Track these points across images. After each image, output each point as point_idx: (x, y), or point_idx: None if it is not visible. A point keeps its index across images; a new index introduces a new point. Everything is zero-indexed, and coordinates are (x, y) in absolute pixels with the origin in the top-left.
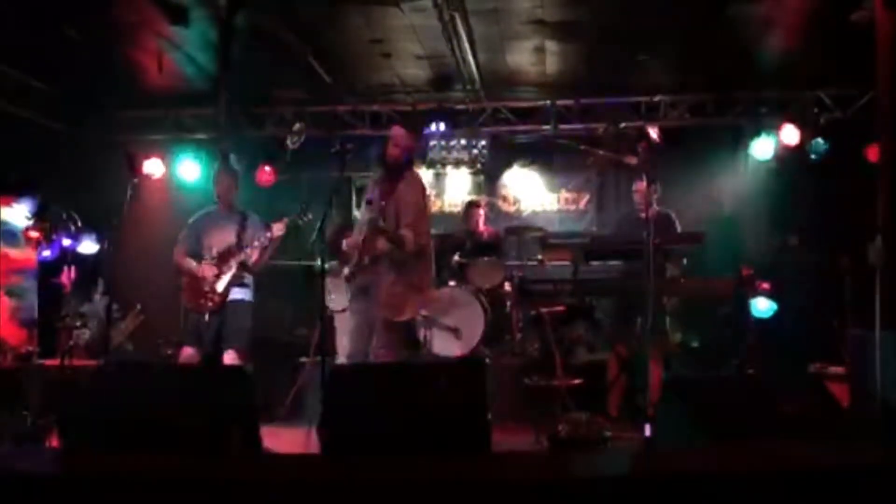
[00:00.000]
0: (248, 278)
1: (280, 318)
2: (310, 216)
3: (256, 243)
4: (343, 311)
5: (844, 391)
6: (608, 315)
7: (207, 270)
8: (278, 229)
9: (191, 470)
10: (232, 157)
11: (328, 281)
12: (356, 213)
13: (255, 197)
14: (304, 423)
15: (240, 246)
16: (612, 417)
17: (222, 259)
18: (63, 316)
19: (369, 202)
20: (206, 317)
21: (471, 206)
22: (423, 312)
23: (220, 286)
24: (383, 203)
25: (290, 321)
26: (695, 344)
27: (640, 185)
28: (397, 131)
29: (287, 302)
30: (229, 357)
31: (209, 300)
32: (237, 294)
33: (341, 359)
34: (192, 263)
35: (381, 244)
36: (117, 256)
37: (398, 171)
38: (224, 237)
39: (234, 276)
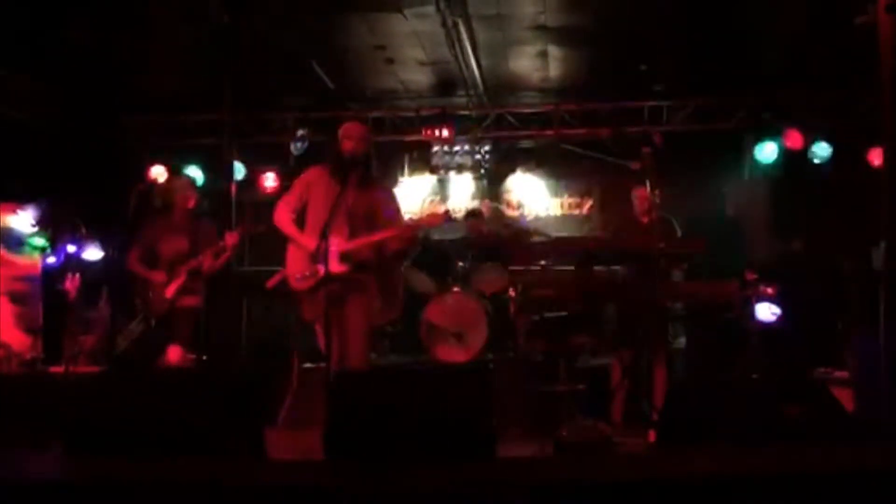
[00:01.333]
0: (199, 285)
1: (283, 322)
2: (264, 226)
3: (208, 251)
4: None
5: (848, 396)
6: (611, 320)
7: (159, 276)
8: (231, 238)
9: (195, 476)
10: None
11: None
12: None
13: (257, 203)
14: (307, 428)
15: (192, 253)
16: (615, 423)
17: (173, 265)
18: (67, 323)
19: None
20: (152, 322)
21: (470, 215)
22: (427, 318)
23: (169, 293)
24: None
25: (293, 326)
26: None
27: (642, 190)
28: (349, 125)
29: (289, 307)
30: (174, 352)
31: (158, 305)
32: (188, 301)
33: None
34: (143, 268)
35: (366, 252)
36: (122, 263)
37: (359, 170)
38: (177, 244)
39: (185, 284)
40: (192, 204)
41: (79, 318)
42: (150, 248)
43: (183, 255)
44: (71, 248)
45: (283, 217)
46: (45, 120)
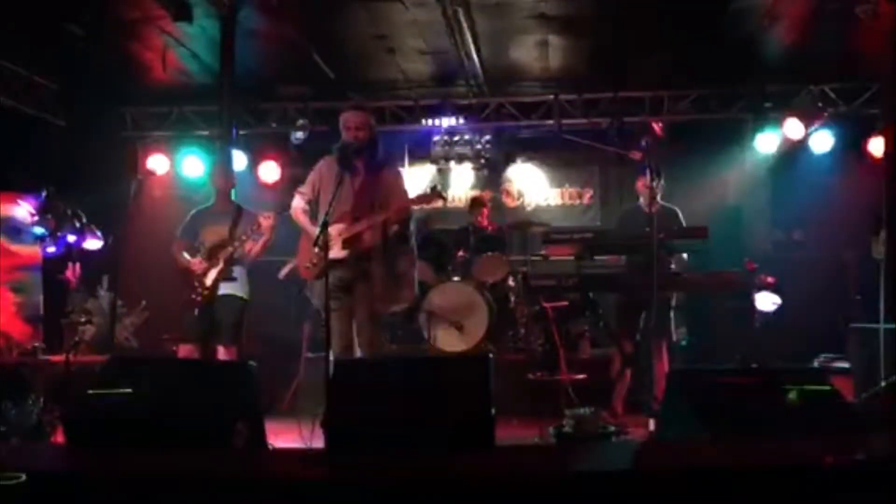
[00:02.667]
0: (238, 273)
1: (284, 312)
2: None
3: (244, 237)
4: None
5: (848, 385)
6: (612, 310)
7: (198, 265)
8: (266, 219)
9: (196, 465)
10: (234, 153)
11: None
12: None
13: (259, 193)
14: (308, 418)
15: (231, 240)
16: (616, 413)
17: (212, 253)
18: (68, 312)
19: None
20: (196, 311)
21: (476, 201)
22: (428, 308)
23: (209, 280)
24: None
25: (294, 316)
26: (683, 342)
27: (645, 179)
28: (348, 114)
29: (290, 297)
30: (220, 354)
31: (198, 294)
32: (226, 289)
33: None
34: (187, 258)
35: (369, 237)
36: (122, 252)
37: (365, 157)
38: (218, 232)
39: (222, 271)
40: (228, 186)
41: (79, 307)
42: (196, 238)
43: (224, 242)
44: (71, 238)
45: (296, 207)
46: (46, 110)
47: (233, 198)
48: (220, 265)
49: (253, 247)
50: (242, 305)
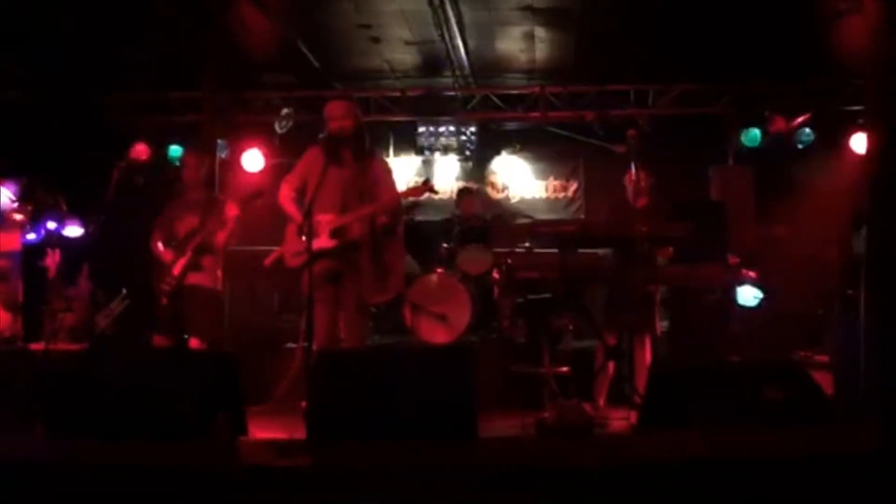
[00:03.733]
0: (208, 262)
1: (266, 303)
2: (261, 197)
3: (211, 226)
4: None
5: (828, 379)
6: (596, 303)
7: (167, 255)
8: (231, 209)
9: (177, 456)
10: (220, 143)
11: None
12: None
13: (243, 181)
14: (290, 408)
15: (200, 229)
16: (598, 405)
17: (182, 243)
18: (48, 300)
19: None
20: (164, 301)
21: (463, 192)
22: (411, 299)
23: (176, 270)
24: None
25: (277, 306)
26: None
27: (631, 173)
28: (331, 105)
29: (273, 287)
30: (193, 344)
31: (166, 285)
32: (194, 279)
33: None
34: (161, 248)
35: (357, 228)
36: (103, 240)
37: (351, 147)
38: (190, 221)
39: (189, 260)
40: (201, 177)
41: (59, 295)
42: (170, 229)
43: (192, 233)
44: (51, 225)
45: (283, 196)
46: (27, 96)
47: (203, 186)
48: (188, 255)
49: (219, 233)
50: (212, 294)
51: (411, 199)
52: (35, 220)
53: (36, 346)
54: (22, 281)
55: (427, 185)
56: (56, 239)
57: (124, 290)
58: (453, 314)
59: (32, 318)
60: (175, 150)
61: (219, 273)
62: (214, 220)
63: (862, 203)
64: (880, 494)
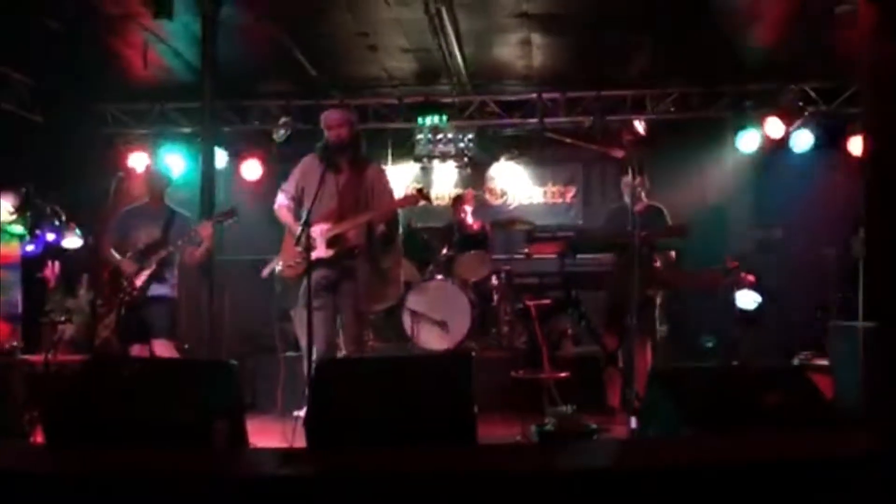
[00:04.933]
0: (169, 275)
1: (264, 311)
2: (236, 218)
3: (180, 242)
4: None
5: (828, 382)
6: (597, 308)
7: (128, 265)
8: (204, 229)
9: (177, 465)
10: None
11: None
12: None
13: (240, 191)
14: (289, 417)
15: (164, 243)
16: (611, 409)
17: (144, 255)
18: (47, 311)
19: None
20: (122, 311)
21: (459, 199)
22: (411, 306)
23: (139, 281)
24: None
25: (275, 314)
26: (709, 344)
27: (628, 178)
28: (328, 114)
29: (270, 295)
30: (160, 347)
31: (126, 294)
32: (158, 290)
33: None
34: (117, 257)
35: (354, 236)
36: (96, 250)
37: (348, 155)
38: (150, 233)
39: (154, 272)
40: (161, 188)
41: (58, 306)
42: (124, 237)
43: (155, 244)
44: (50, 236)
45: (280, 205)
46: (25, 107)
47: (164, 200)
48: (153, 267)
49: (194, 252)
50: (174, 305)
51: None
52: (34, 232)
53: (35, 358)
54: (21, 292)
55: (421, 194)
56: (55, 250)
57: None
58: (453, 321)
59: (32, 329)
60: (170, 159)
61: (176, 280)
62: (186, 239)
63: (860, 206)
64: (881, 498)
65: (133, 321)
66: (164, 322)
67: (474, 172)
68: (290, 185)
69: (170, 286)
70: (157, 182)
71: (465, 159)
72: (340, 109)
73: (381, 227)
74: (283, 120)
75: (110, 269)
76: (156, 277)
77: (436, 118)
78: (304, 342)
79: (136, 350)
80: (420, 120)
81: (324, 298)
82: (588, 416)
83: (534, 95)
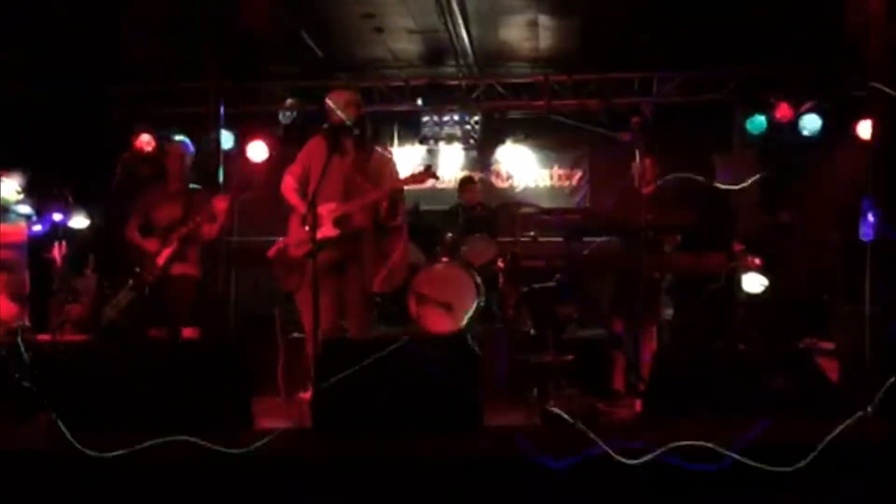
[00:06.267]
0: (192, 253)
1: (270, 292)
2: (251, 191)
3: (199, 219)
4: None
5: (834, 366)
6: (601, 291)
7: (152, 245)
8: (220, 203)
9: (182, 445)
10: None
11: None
12: None
13: (247, 171)
14: (294, 399)
15: (184, 221)
16: (616, 392)
17: (165, 232)
18: (54, 291)
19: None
20: (146, 291)
21: (465, 181)
22: (416, 289)
23: (161, 259)
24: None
25: (280, 295)
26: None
27: (636, 161)
28: (333, 95)
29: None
30: (187, 333)
31: (150, 275)
32: (179, 269)
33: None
34: (139, 237)
35: (360, 217)
36: (109, 231)
37: (354, 137)
38: (170, 211)
39: (175, 251)
40: (186, 169)
41: (66, 286)
42: (147, 217)
43: (176, 223)
44: (57, 217)
45: (287, 186)
46: (31, 88)
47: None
48: (174, 245)
49: (210, 229)
50: (196, 284)
51: (413, 188)
52: (41, 212)
53: (43, 338)
54: (28, 272)
55: (429, 173)
56: (62, 230)
57: (130, 281)
58: (458, 304)
59: (39, 309)
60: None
61: (199, 259)
62: (203, 214)
63: (867, 189)
64: (887, 482)
65: (153, 302)
66: (185, 306)
67: (480, 155)
68: (296, 167)
69: (192, 265)
70: (177, 159)
71: (471, 142)
72: (345, 90)
73: (385, 207)
74: (289, 101)
75: (134, 252)
76: (177, 256)
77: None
78: (308, 323)
79: (153, 332)
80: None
81: (329, 279)
82: (593, 400)
83: (540, 78)
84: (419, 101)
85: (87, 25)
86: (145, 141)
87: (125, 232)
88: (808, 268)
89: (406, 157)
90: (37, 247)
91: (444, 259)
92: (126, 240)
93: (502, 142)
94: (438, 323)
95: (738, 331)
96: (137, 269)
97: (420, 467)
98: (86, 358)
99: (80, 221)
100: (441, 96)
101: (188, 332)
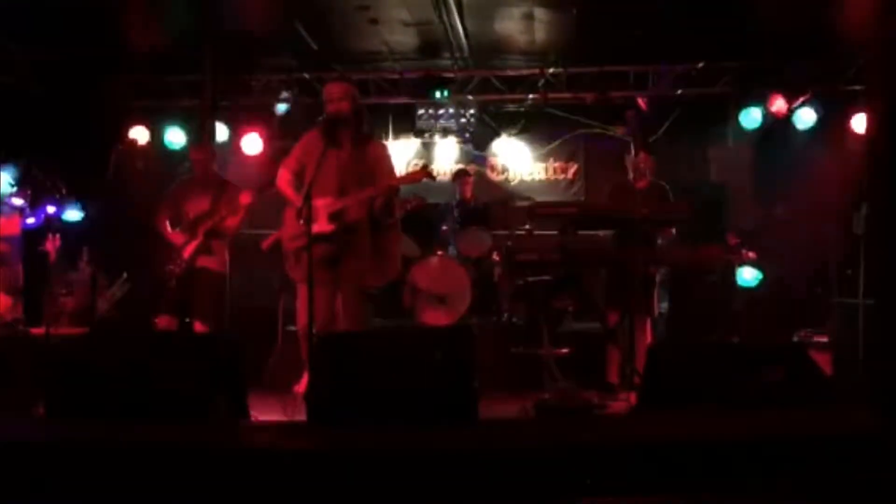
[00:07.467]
0: (217, 246)
1: (266, 285)
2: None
3: (224, 212)
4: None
5: (828, 359)
6: (596, 285)
7: (178, 237)
8: (245, 197)
9: (176, 437)
10: (217, 126)
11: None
12: None
13: (241, 164)
14: (290, 390)
15: (211, 214)
16: (611, 385)
17: (193, 226)
18: (48, 284)
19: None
20: (173, 283)
21: (460, 174)
22: (411, 282)
23: (187, 252)
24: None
25: (277, 288)
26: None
27: (631, 155)
28: (329, 87)
29: (272, 269)
30: (197, 328)
31: (176, 266)
32: (203, 262)
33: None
34: (169, 230)
35: (356, 212)
36: (103, 224)
37: (350, 130)
38: (199, 204)
39: (200, 244)
40: (210, 165)
41: (60, 279)
42: (177, 209)
43: (202, 216)
44: (51, 209)
45: (282, 179)
46: (25, 80)
47: (213, 170)
48: (199, 238)
49: (232, 222)
50: (219, 278)
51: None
52: (35, 205)
53: (37, 331)
54: (22, 265)
55: (425, 171)
56: (56, 223)
57: (125, 274)
58: (453, 297)
59: (33, 302)
60: (171, 132)
61: (226, 256)
62: (227, 206)
63: (862, 183)
64: (879, 474)
65: (182, 293)
66: (206, 297)
67: (475, 148)
68: (291, 160)
69: (217, 259)
70: (203, 153)
71: (467, 135)
72: (341, 82)
73: (379, 201)
74: (284, 93)
75: (163, 244)
76: (203, 249)
77: (445, 92)
78: (304, 317)
79: (165, 322)
80: (437, 94)
81: (324, 273)
82: (588, 392)
83: (536, 71)
84: (437, 94)
85: (81, 17)
86: (139, 133)
87: (156, 225)
88: (802, 261)
89: (401, 150)
90: (31, 240)
91: (440, 252)
92: (157, 232)
93: (497, 135)
94: (433, 316)
95: (732, 324)
96: (166, 262)
97: (415, 460)
98: (80, 350)
99: (74, 214)
100: (438, 89)
101: (199, 327)
